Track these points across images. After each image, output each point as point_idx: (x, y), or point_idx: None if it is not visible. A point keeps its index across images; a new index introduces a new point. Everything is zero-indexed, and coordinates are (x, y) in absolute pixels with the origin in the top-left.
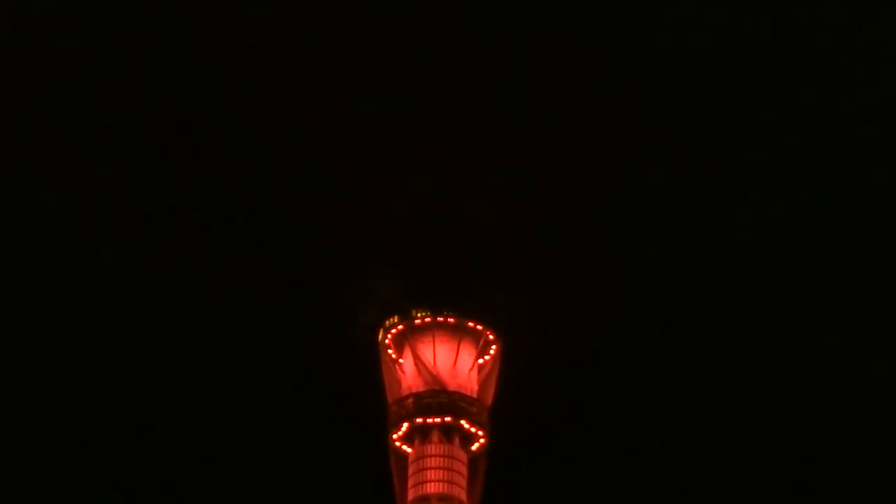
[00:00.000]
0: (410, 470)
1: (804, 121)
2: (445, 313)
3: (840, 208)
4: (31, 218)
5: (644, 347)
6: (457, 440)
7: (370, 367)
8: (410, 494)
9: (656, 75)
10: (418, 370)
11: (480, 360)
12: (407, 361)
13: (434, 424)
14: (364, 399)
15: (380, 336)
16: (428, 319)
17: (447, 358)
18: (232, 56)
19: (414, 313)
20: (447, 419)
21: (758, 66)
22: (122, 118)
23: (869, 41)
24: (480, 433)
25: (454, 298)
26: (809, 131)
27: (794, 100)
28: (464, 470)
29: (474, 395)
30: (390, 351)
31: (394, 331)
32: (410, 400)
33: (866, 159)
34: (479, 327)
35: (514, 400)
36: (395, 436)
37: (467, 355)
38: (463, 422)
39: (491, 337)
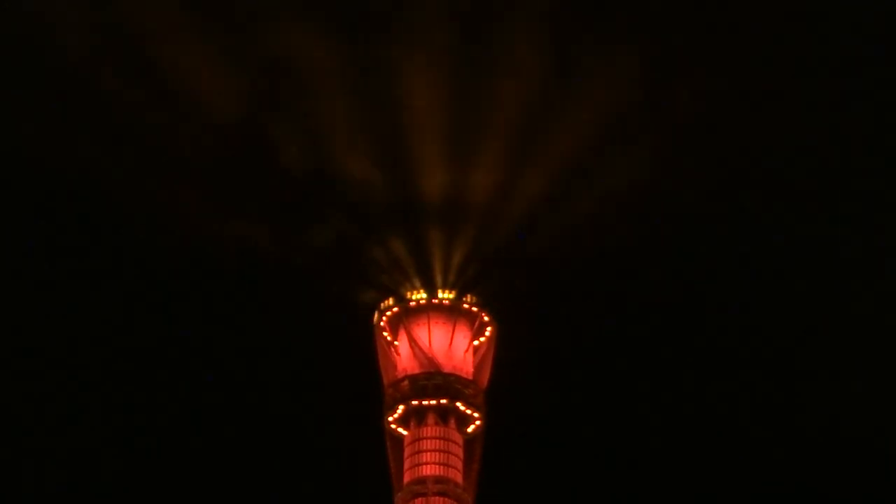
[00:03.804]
0: (406, 452)
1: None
2: (440, 295)
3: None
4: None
5: (641, 329)
6: (453, 422)
7: (366, 349)
8: (406, 477)
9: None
10: (413, 352)
11: (476, 342)
12: (402, 344)
13: (430, 407)
14: (360, 382)
15: (375, 318)
16: (423, 301)
17: (442, 340)
18: None
19: (409, 295)
20: (443, 401)
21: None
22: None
23: None
24: (476, 415)
25: (449, 280)
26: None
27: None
28: (460, 452)
29: (470, 377)
30: (385, 333)
31: (389, 313)
32: (406, 382)
33: None
34: (474, 309)
35: (509, 382)
36: (390, 418)
37: (462, 337)
38: (459, 404)
39: (486, 318)
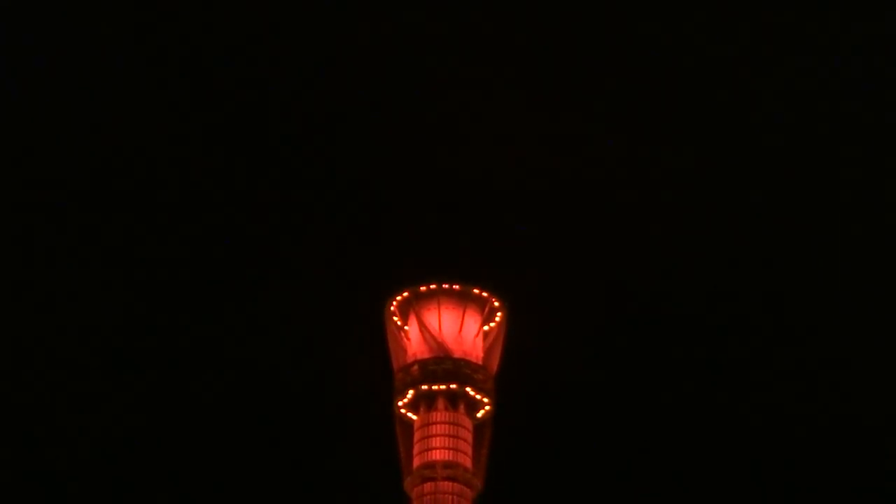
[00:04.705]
0: (416, 437)
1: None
2: (450, 280)
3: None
4: None
5: (652, 315)
6: (462, 407)
7: (375, 334)
8: (416, 461)
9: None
10: (423, 337)
11: (486, 327)
12: (412, 329)
13: (439, 391)
14: (369, 366)
15: (385, 303)
16: (433, 286)
17: (452, 325)
18: None
19: (419, 280)
20: (452, 386)
21: None
22: None
23: None
24: (486, 400)
25: (459, 264)
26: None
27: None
28: (469, 437)
29: (479, 362)
30: (395, 318)
31: (399, 298)
32: (416, 367)
33: None
34: (485, 294)
35: (519, 367)
36: (400, 403)
37: (472, 322)
38: (468, 389)
39: (496, 303)
